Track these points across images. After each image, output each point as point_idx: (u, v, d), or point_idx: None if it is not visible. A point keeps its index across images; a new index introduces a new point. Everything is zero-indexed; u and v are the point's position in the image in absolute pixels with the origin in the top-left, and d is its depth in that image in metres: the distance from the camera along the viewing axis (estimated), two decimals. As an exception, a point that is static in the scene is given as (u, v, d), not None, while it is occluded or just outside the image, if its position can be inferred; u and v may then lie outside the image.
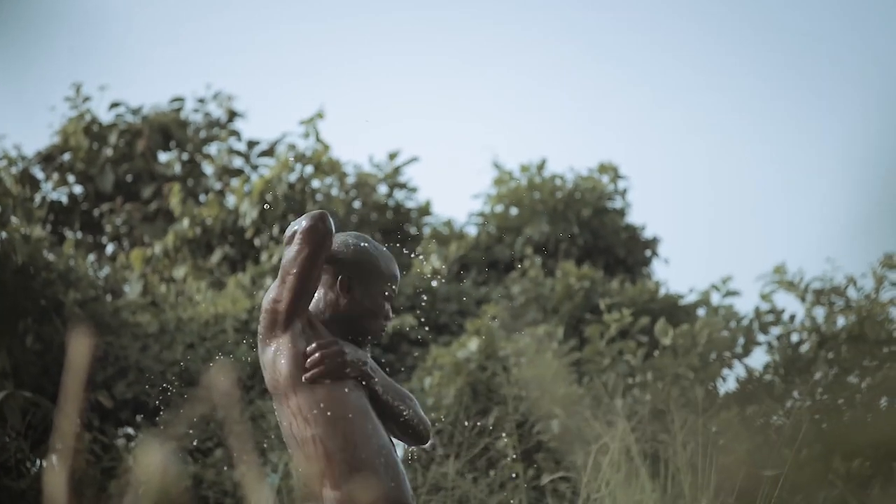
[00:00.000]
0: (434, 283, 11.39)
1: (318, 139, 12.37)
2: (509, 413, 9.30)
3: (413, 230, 12.66)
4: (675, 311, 10.91)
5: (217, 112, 13.90)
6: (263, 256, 11.76)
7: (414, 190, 12.75)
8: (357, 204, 12.42)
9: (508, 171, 12.63)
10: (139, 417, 10.20)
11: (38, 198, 13.24)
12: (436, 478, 8.47)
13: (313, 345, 3.95)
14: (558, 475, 8.59)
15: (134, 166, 13.43)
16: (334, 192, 12.33)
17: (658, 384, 8.93)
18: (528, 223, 12.38)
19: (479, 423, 9.23)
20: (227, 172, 13.55)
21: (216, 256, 12.22)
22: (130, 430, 10.21)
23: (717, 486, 7.07)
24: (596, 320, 10.42)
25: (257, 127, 16.66)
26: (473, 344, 9.85)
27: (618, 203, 12.63)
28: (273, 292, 3.98)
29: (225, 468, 9.43)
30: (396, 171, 12.67)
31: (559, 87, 16.70)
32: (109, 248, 13.61)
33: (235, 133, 13.78)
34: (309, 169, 12.28)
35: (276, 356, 3.96)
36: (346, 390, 3.93)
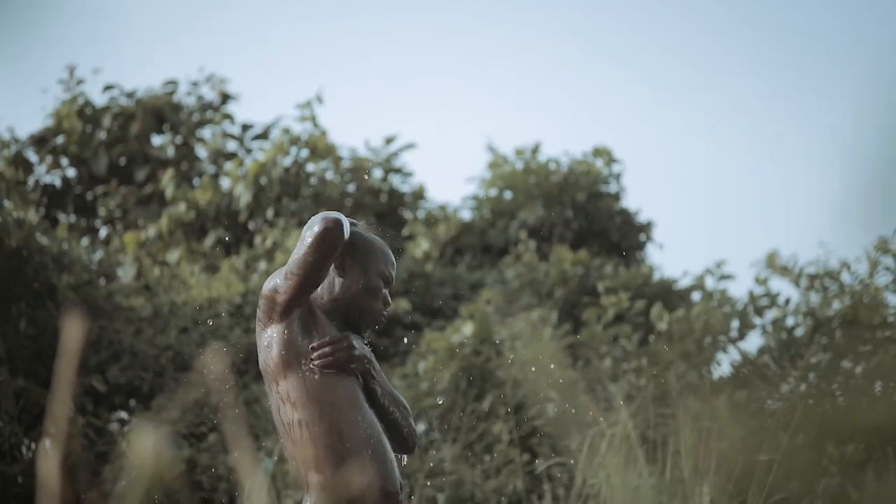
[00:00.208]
0: (428, 267, 11.38)
1: (315, 123, 12.35)
2: (505, 398, 9.30)
3: (408, 214, 12.65)
4: (669, 295, 10.91)
5: (210, 95, 13.87)
6: (257, 240, 11.74)
7: (409, 174, 12.74)
8: (351, 188, 12.41)
9: (503, 155, 12.62)
10: (133, 402, 10.18)
11: (31, 181, 13.21)
12: (433, 462, 8.48)
13: (325, 338, 3.96)
14: (554, 461, 8.59)
15: (127, 149, 13.40)
16: (329, 175, 12.31)
17: (653, 369, 8.93)
18: (523, 207, 12.37)
19: (474, 409, 9.23)
20: (220, 156, 13.53)
21: (210, 240, 12.21)
22: (124, 415, 10.20)
23: (711, 471, 7.07)
24: (593, 303, 10.41)
25: (251, 110, 16.67)
26: (468, 328, 9.84)
27: (612, 187, 12.63)
28: (274, 282, 3.99)
29: (220, 453, 9.42)
30: (392, 156, 12.66)
31: (556, 84, 16.71)
32: (103, 232, 13.59)
33: (229, 116, 13.75)
34: (304, 152, 12.26)
35: (269, 340, 3.98)
36: (336, 378, 3.94)
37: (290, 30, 17.13)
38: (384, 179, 12.67)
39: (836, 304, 9.36)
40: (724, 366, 9.52)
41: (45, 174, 13.46)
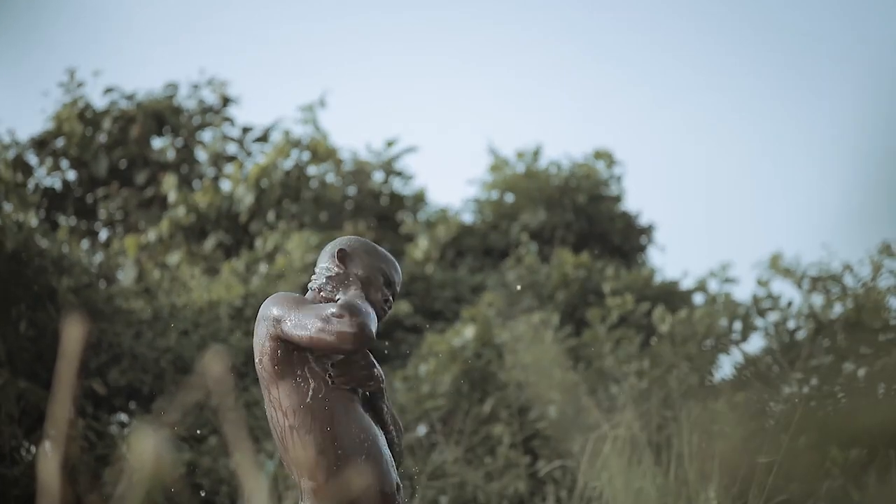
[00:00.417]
0: (429, 270, 11.36)
1: (316, 126, 12.34)
2: (507, 400, 9.29)
3: (408, 217, 12.64)
4: (670, 297, 10.89)
5: (211, 98, 13.86)
6: (258, 243, 11.72)
7: (410, 178, 12.73)
8: (352, 190, 12.40)
9: (504, 158, 12.60)
10: (133, 404, 10.17)
11: (31, 184, 13.20)
12: (435, 464, 8.46)
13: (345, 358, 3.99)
14: (557, 464, 8.58)
15: (128, 152, 13.39)
16: (330, 178, 12.30)
17: (655, 371, 8.91)
18: (524, 210, 12.35)
19: (476, 412, 9.22)
20: (221, 158, 13.51)
21: (210, 243, 12.19)
22: (124, 418, 10.18)
23: (714, 473, 7.06)
24: (598, 303, 10.39)
25: (251, 113, 16.65)
26: (469, 331, 9.83)
27: (613, 190, 12.61)
28: (283, 314, 3.95)
29: (221, 455, 9.41)
30: (393, 160, 12.65)
31: (556, 84, 16.70)
32: (103, 235, 13.57)
33: (229, 119, 13.74)
34: (305, 155, 12.25)
35: (264, 347, 3.97)
36: (328, 385, 3.94)
37: (290, 31, 17.12)
38: (385, 182, 12.65)
39: (839, 307, 9.35)
40: (726, 368, 9.51)
41: (46, 177, 13.44)
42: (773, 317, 9.96)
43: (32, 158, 13.27)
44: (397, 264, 4.21)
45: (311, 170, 12.22)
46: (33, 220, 9.97)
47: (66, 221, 13.40)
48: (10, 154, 12.59)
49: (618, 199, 12.59)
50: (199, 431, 9.68)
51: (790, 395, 7.80)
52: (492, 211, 12.50)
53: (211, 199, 12.20)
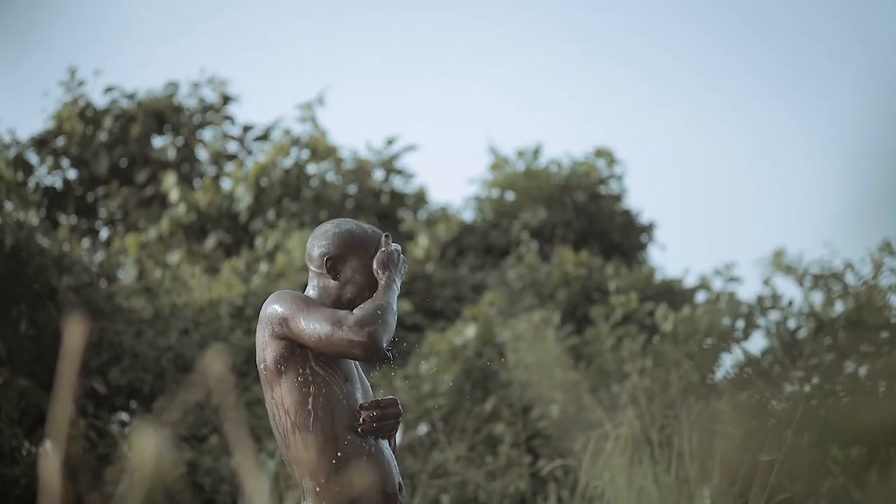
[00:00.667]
0: (429, 268, 11.36)
1: (315, 124, 12.33)
2: (508, 399, 9.28)
3: (409, 215, 12.64)
4: (671, 295, 10.89)
5: (211, 97, 13.86)
6: (258, 241, 11.72)
7: (410, 176, 12.72)
8: (352, 189, 12.39)
9: (504, 157, 12.60)
10: (134, 403, 10.16)
11: (31, 182, 13.20)
12: (437, 463, 8.46)
13: (373, 401, 3.96)
14: (558, 463, 8.58)
15: (128, 151, 13.38)
16: (330, 177, 12.30)
17: (657, 370, 8.91)
18: (524, 208, 12.35)
19: (478, 410, 9.22)
20: (221, 157, 13.51)
21: (211, 241, 12.19)
22: (125, 417, 10.18)
23: (715, 472, 7.05)
24: (602, 300, 10.38)
25: (251, 112, 16.66)
26: (470, 330, 9.82)
27: (614, 188, 12.61)
28: (289, 313, 3.91)
29: (222, 455, 9.41)
30: (393, 158, 12.65)
31: (556, 84, 16.70)
32: (104, 234, 13.57)
33: (230, 118, 13.74)
34: (305, 154, 12.25)
35: (266, 347, 3.95)
36: (329, 383, 3.93)
37: (290, 30, 17.12)
38: (385, 181, 12.65)
39: (840, 306, 9.35)
40: (727, 366, 9.50)
41: (46, 176, 13.44)
42: (774, 315, 9.96)
43: (33, 157, 13.27)
44: (379, 233, 4.10)
45: (311, 168, 12.22)
46: (34, 219, 9.97)
47: (66, 220, 13.40)
48: (11, 153, 12.59)
49: (618, 197, 12.58)
50: (200, 430, 9.69)
51: (791, 394, 7.79)
52: (492, 209, 12.50)
53: (211, 198, 12.19)
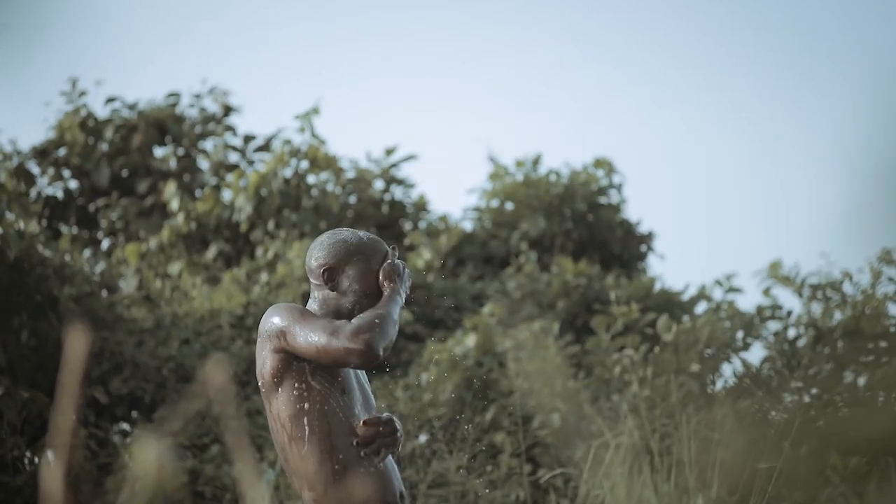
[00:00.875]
0: (429, 279, 11.38)
1: (313, 134, 12.35)
2: (508, 408, 9.30)
3: (409, 226, 12.66)
4: (670, 306, 10.91)
5: (213, 107, 13.89)
6: (259, 251, 11.74)
7: (411, 186, 12.74)
8: (353, 199, 12.42)
9: (504, 166, 12.62)
10: (135, 413, 10.18)
11: (33, 192, 13.22)
12: (437, 473, 8.48)
13: (368, 419, 3.95)
14: (558, 471, 8.59)
15: (129, 161, 13.41)
16: (330, 187, 12.32)
17: (658, 380, 8.92)
18: (524, 218, 12.37)
19: (478, 420, 9.23)
20: (222, 167, 13.53)
21: (211, 252, 12.21)
22: (126, 426, 10.20)
23: (714, 481, 7.07)
24: (604, 310, 10.39)
25: (253, 122, 16.70)
26: (470, 340, 9.84)
27: (613, 198, 12.63)
28: (286, 327, 3.91)
29: (223, 464, 9.42)
30: (393, 167, 12.67)
31: (556, 85, 16.71)
32: (105, 244, 13.59)
33: (231, 128, 13.77)
34: (304, 164, 12.27)
35: (264, 360, 3.97)
36: (327, 394, 3.94)
37: (291, 40, 17.14)
38: (386, 190, 12.67)
39: (838, 315, 9.36)
40: (727, 376, 9.52)
41: (47, 186, 13.47)
42: (773, 325, 9.98)
43: (34, 168, 13.30)
44: (378, 241, 4.09)
45: (311, 178, 12.24)
46: (35, 229, 9.99)
47: (67, 230, 13.42)
48: (13, 163, 12.62)
49: (617, 207, 12.60)
50: (200, 440, 9.70)
51: (791, 404, 7.81)
52: (491, 219, 12.52)
53: (212, 208, 12.22)
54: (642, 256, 12.72)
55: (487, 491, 8.94)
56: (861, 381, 8.18)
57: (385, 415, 3.98)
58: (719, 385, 9.17)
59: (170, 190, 12.48)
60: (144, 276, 11.94)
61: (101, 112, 13.50)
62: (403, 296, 4.02)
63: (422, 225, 12.63)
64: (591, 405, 8.91)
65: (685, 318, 10.71)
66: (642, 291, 10.89)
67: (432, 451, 9.12)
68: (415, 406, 9.44)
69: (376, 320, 3.87)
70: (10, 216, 9.82)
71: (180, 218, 12.27)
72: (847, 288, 9.45)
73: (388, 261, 4.04)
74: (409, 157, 12.73)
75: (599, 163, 12.64)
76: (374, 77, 16.96)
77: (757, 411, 7.65)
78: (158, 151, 13.67)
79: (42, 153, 13.31)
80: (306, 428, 3.90)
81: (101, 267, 11.54)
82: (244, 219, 12.06)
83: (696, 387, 8.92)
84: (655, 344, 9.77)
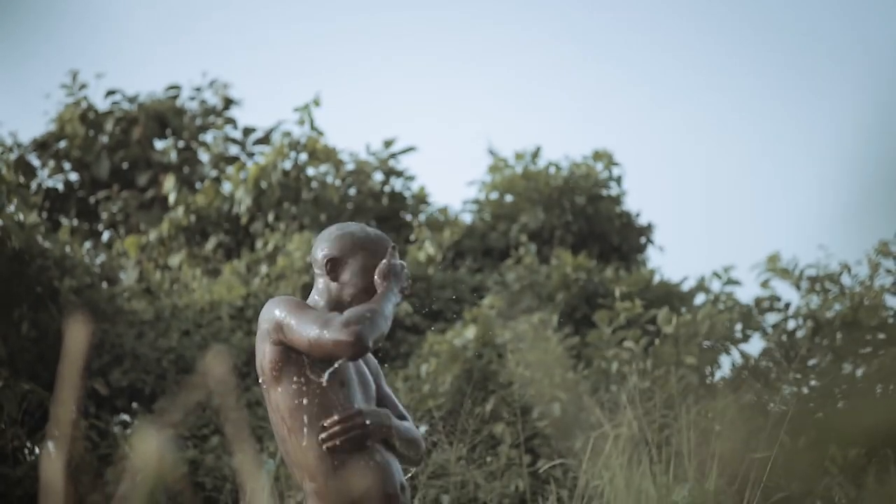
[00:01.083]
0: (430, 270, 11.40)
1: (312, 126, 12.36)
2: (508, 400, 9.32)
3: (409, 218, 12.66)
4: (670, 298, 10.91)
5: (213, 100, 13.90)
6: (258, 243, 11.75)
7: (411, 178, 12.75)
8: (352, 191, 12.42)
9: (503, 159, 12.63)
10: (135, 404, 10.20)
11: (33, 185, 13.24)
12: (437, 463, 8.50)
13: (335, 417, 3.94)
14: (557, 462, 8.61)
15: (130, 154, 13.42)
16: (329, 179, 12.33)
17: (657, 371, 8.94)
18: (523, 211, 12.38)
19: (478, 411, 9.25)
20: (222, 160, 13.55)
21: (211, 244, 12.23)
22: (126, 417, 10.22)
23: (713, 472, 7.09)
24: (607, 305, 10.40)
25: (254, 115, 16.68)
26: (470, 331, 9.86)
27: (613, 190, 12.63)
28: (283, 319, 3.93)
29: (223, 455, 9.44)
30: (391, 157, 12.67)
31: (556, 84, 16.72)
32: (105, 236, 13.61)
33: (231, 121, 13.78)
34: (304, 156, 12.28)
35: (263, 352, 3.99)
36: (323, 390, 3.95)
37: (292, 33, 17.15)
38: (385, 183, 12.68)
39: (837, 307, 9.38)
40: (725, 368, 9.54)
41: (48, 178, 13.48)
42: (772, 317, 9.99)
43: (35, 160, 13.31)
44: (385, 238, 4.13)
45: (311, 171, 12.25)
46: (35, 221, 10.01)
47: (68, 222, 13.43)
48: (13, 155, 12.63)
49: (617, 199, 12.60)
50: (201, 431, 9.72)
51: (789, 396, 7.83)
52: (491, 211, 12.53)
53: (211, 201, 12.23)
54: (642, 248, 12.72)
55: (487, 481, 8.96)
56: (859, 372, 8.20)
57: (355, 408, 3.98)
58: (718, 376, 9.19)
59: (169, 183, 12.50)
60: (145, 268, 11.96)
61: (102, 104, 13.52)
62: (398, 295, 4.02)
63: (422, 217, 12.64)
64: (590, 396, 8.93)
65: (683, 310, 10.72)
66: (642, 283, 10.90)
67: (432, 441, 9.15)
68: (414, 397, 9.47)
69: (367, 313, 3.88)
70: (10, 208, 9.84)
71: (180, 210, 12.29)
72: (845, 280, 9.47)
73: (385, 260, 4.05)
74: (408, 149, 12.73)
75: (599, 155, 12.64)
76: (375, 75, 16.98)
77: (755, 403, 7.66)
78: (159, 144, 13.68)
79: (42, 145, 13.33)
80: (306, 420, 3.92)
81: (101, 259, 11.56)
82: (244, 211, 12.08)
83: (696, 378, 8.94)
84: (656, 337, 9.78)
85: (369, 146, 12.73)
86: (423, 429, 9.37)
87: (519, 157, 12.60)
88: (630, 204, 12.78)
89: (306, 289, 10.60)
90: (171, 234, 12.30)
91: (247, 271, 11.44)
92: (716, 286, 10.99)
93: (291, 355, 3.94)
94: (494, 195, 12.62)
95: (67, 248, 10.17)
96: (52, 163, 13.40)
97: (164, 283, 11.30)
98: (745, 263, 12.56)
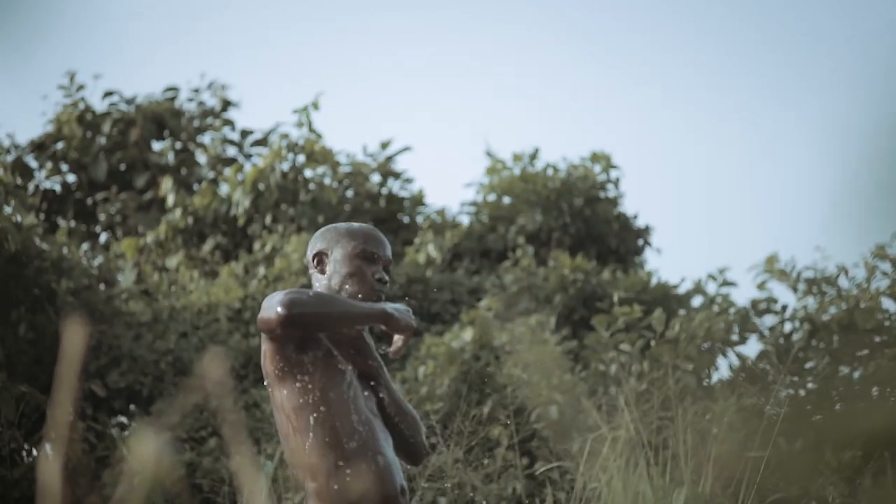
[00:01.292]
0: (427, 273, 11.40)
1: (310, 128, 12.36)
2: (505, 402, 9.32)
3: (406, 219, 12.67)
4: (667, 300, 10.92)
5: (211, 101, 13.90)
6: (256, 245, 11.75)
7: (408, 180, 12.75)
8: (349, 193, 12.43)
9: (501, 161, 12.63)
10: (132, 406, 10.20)
11: (31, 186, 13.23)
12: (435, 465, 8.50)
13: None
14: (555, 464, 8.62)
15: (127, 155, 13.42)
16: (327, 181, 12.33)
17: (654, 374, 8.94)
18: (521, 212, 12.38)
19: (475, 413, 9.26)
20: (220, 162, 13.55)
21: (209, 245, 12.23)
22: (124, 419, 10.22)
23: (709, 474, 7.09)
24: (605, 309, 10.40)
25: (252, 117, 16.71)
26: (467, 334, 9.86)
27: (610, 192, 12.63)
28: (275, 311, 3.97)
29: (220, 457, 9.44)
30: (389, 159, 12.67)
31: (555, 84, 16.73)
32: (103, 237, 13.61)
33: (229, 122, 13.78)
34: (301, 158, 12.28)
35: (266, 351, 4.01)
36: (330, 386, 3.96)
37: (290, 33, 17.15)
38: (383, 184, 12.68)
39: (833, 309, 9.38)
40: (722, 370, 9.54)
41: (45, 180, 13.48)
42: (768, 320, 9.99)
43: (32, 161, 13.31)
44: (375, 233, 4.18)
45: (308, 172, 12.25)
46: (33, 222, 10.01)
47: (65, 224, 13.43)
48: (10, 157, 12.63)
49: (614, 201, 12.61)
50: (198, 433, 9.72)
51: (786, 398, 7.83)
52: (489, 213, 12.53)
53: (209, 203, 12.24)
54: (639, 250, 12.73)
55: (484, 484, 8.97)
56: (856, 374, 8.20)
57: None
58: (715, 379, 9.20)
59: (166, 185, 12.50)
60: (142, 269, 11.96)
61: (100, 106, 13.52)
62: (373, 314, 4.01)
63: (419, 219, 12.64)
64: (587, 398, 8.94)
65: (681, 311, 10.73)
66: (639, 286, 10.90)
67: (430, 444, 9.15)
68: (412, 399, 9.47)
69: (315, 295, 3.90)
70: (8, 210, 9.84)
71: (178, 212, 12.29)
72: (842, 282, 9.47)
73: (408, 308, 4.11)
74: (405, 150, 12.73)
75: (596, 157, 12.65)
76: (373, 76, 16.98)
77: (752, 405, 7.67)
78: (156, 145, 13.68)
79: (40, 147, 13.32)
80: (310, 420, 3.94)
81: (98, 260, 11.57)
82: (241, 213, 12.08)
83: (693, 381, 8.94)
84: (653, 339, 9.79)
85: (366, 147, 12.74)
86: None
87: (517, 158, 12.61)
88: (628, 206, 12.80)
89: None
90: (169, 235, 12.30)
91: (244, 273, 11.44)
92: (711, 288, 10.99)
93: (293, 352, 3.96)
94: (492, 197, 12.63)
95: (65, 250, 10.16)
96: (49, 164, 13.40)
97: (161, 285, 11.30)
98: (743, 265, 12.57)
